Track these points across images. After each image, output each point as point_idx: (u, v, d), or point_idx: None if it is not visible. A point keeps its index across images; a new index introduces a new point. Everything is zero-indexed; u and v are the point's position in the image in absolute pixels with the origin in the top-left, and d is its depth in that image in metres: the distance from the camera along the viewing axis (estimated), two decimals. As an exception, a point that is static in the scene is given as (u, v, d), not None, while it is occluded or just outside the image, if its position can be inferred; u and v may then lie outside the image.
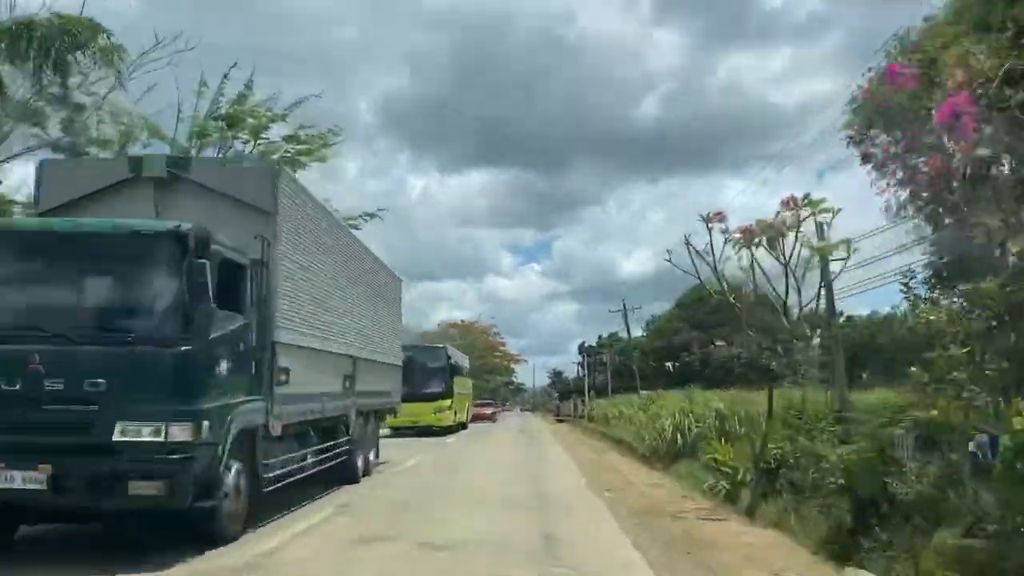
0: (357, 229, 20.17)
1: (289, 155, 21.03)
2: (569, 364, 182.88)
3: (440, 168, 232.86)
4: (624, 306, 47.65)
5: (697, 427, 17.13)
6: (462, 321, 66.17)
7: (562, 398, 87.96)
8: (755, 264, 11.52)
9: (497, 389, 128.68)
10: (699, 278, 13.27)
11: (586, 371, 55.69)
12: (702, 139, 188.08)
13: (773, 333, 13.40)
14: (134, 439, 6.81)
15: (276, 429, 9.00)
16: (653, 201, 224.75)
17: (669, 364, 74.44)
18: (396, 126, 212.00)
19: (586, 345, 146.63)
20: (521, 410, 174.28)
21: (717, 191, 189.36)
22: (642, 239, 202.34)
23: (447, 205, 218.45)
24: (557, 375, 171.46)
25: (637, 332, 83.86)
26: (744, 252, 11.18)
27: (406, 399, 20.46)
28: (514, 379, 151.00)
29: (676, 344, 61.39)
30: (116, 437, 6.79)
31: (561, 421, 60.84)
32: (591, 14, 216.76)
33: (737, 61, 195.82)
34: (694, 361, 60.05)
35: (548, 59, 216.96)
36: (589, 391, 71.74)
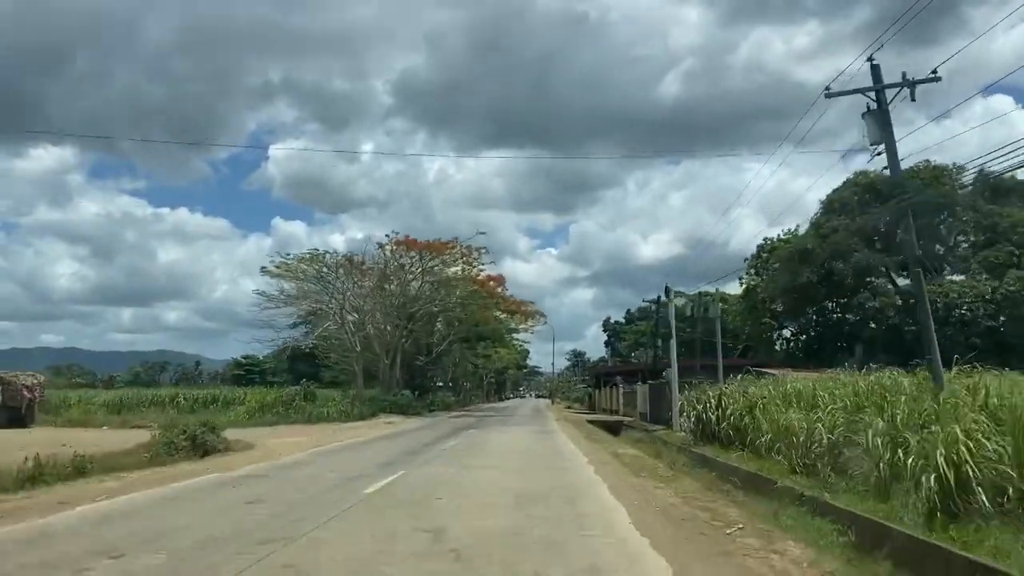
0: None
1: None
2: (592, 346, 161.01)
3: (456, 149, 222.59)
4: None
5: None
6: (427, 242, 37.33)
7: (599, 384, 59.94)
8: None
9: (504, 371, 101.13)
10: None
11: (672, 334, 26.93)
12: (723, 119, 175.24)
13: None
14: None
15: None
16: (673, 183, 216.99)
17: (785, 331, 45.65)
18: (412, 106, 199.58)
19: (612, 321, 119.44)
20: (536, 396, 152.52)
21: (737, 172, 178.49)
22: (662, 222, 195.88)
23: (463, 187, 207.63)
24: (578, 356, 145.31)
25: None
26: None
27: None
28: (528, 361, 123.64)
29: (822, 280, 32.72)
30: None
31: (609, 428, 32.60)
32: None
33: (761, 37, 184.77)
34: (870, 311, 31.54)
35: (567, 38, 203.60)
36: (648, 372, 43.62)
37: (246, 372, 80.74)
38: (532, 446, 18.75)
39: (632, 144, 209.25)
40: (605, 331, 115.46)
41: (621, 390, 43.71)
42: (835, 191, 35.29)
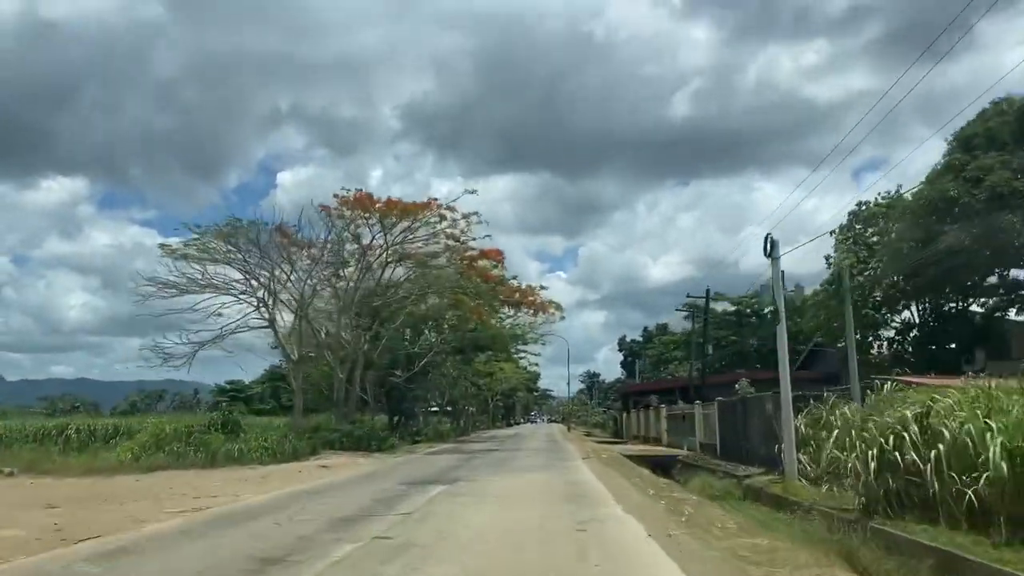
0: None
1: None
2: (604, 368, 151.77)
3: (464, 173, 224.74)
4: None
5: None
6: (388, 199, 26.33)
7: (626, 406, 49.38)
8: None
9: (512, 393, 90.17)
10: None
11: (780, 315, 16.33)
12: (733, 138, 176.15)
13: None
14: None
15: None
16: (683, 204, 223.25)
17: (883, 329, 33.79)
18: (420, 130, 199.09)
19: (628, 340, 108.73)
20: (549, 420, 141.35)
21: (748, 192, 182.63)
22: (672, 243, 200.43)
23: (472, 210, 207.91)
24: (592, 377, 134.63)
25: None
26: None
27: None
28: (539, 384, 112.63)
29: (978, 240, 22.37)
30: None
31: (661, 468, 22.32)
32: (618, 12, 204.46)
33: (769, 56, 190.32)
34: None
35: (574, 60, 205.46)
36: (695, 388, 33.87)
37: (231, 399, 72.43)
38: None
39: (642, 165, 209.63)
40: (621, 350, 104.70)
41: (664, 413, 33.26)
42: (970, 124, 25.13)
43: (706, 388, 37.24)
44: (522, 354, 50.10)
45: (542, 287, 32.04)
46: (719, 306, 55.87)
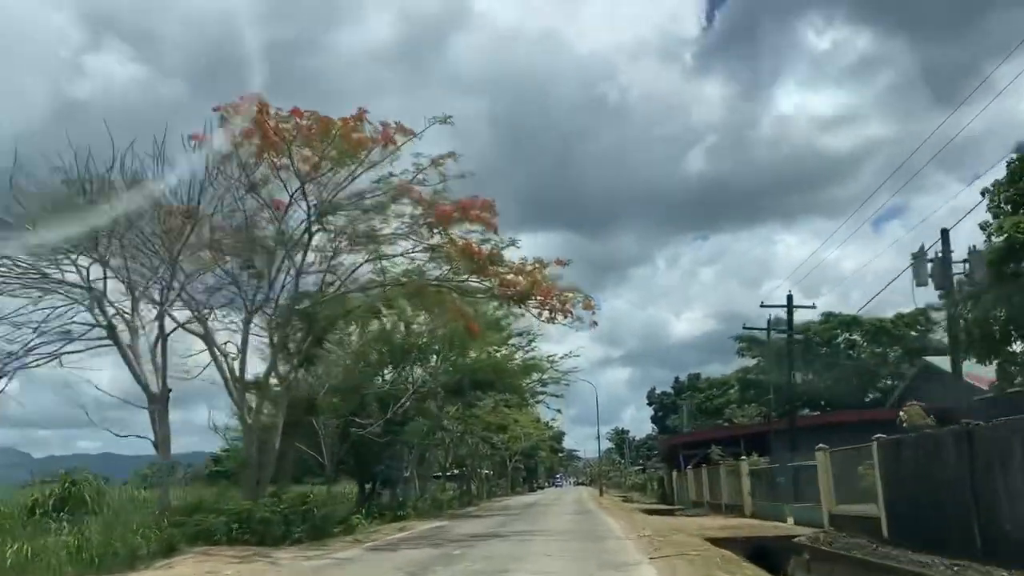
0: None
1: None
2: (631, 428, 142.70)
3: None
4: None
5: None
6: (293, 109, 15.31)
7: (674, 462, 38.95)
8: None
9: (534, 452, 79.07)
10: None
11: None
12: (751, 192, 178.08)
13: None
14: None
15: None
16: (703, 258, 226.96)
17: None
18: None
19: (658, 392, 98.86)
20: (576, 483, 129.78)
21: (769, 244, 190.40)
22: (694, 298, 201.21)
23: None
24: (621, 435, 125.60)
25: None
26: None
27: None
28: (563, 444, 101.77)
29: None
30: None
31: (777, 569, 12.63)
32: (630, 73, 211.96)
33: (783, 108, 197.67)
34: None
35: (589, 121, 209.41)
36: (784, 432, 24.40)
37: (227, 468, 63.11)
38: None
39: (660, 221, 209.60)
40: (651, 404, 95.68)
41: (745, 469, 23.22)
42: None
43: (794, 432, 27.50)
44: (540, 398, 39.64)
45: (559, 261, 18.64)
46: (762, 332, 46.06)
